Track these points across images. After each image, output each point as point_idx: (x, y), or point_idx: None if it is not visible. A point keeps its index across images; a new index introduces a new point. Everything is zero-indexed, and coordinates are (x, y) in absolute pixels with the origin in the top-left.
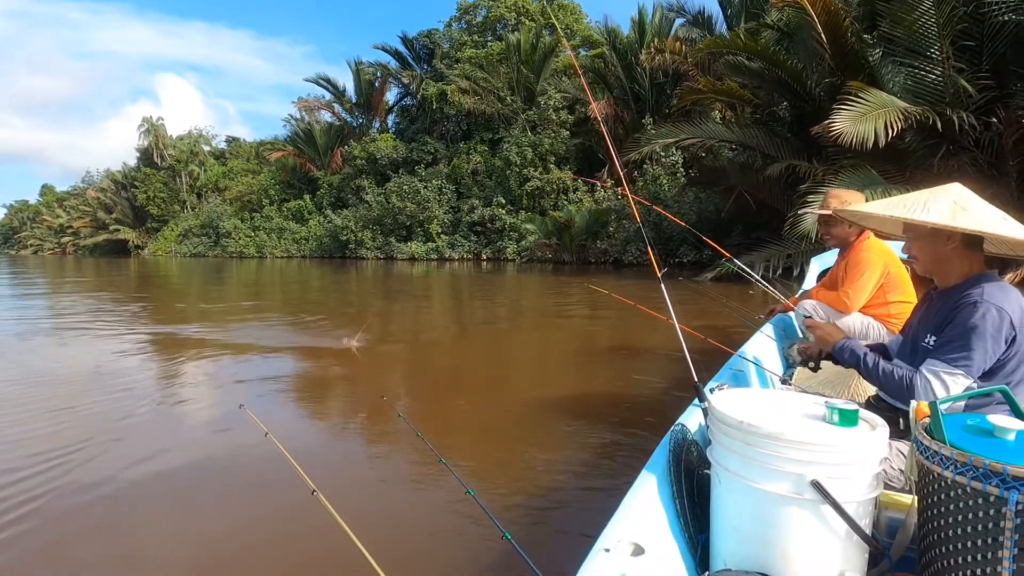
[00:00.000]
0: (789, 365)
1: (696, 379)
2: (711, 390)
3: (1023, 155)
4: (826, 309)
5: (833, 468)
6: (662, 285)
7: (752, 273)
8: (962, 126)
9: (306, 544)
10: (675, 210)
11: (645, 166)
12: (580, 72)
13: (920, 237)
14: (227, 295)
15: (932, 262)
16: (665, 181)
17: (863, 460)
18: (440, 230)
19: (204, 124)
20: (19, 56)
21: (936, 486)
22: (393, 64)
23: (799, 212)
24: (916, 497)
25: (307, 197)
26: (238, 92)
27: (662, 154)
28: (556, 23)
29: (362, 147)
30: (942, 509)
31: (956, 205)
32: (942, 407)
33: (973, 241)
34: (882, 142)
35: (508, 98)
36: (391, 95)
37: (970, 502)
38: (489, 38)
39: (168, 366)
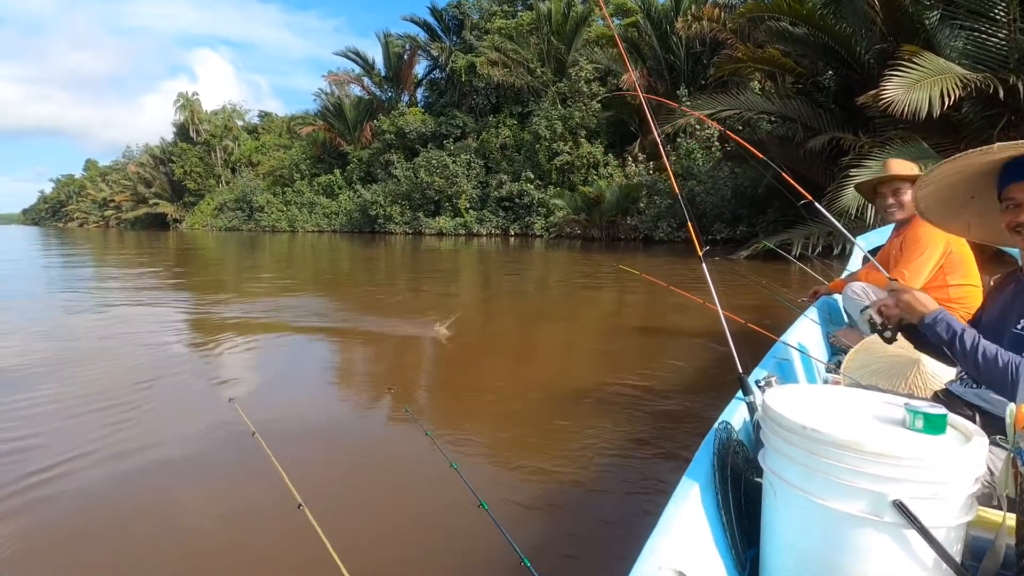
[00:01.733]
0: (834, 352)
1: (740, 370)
2: (757, 383)
3: None
4: (878, 292)
5: (920, 487)
6: (704, 265)
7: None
8: None
9: (287, 565)
10: (709, 185)
11: (679, 139)
12: (619, 40)
13: None
14: (265, 269)
15: None
16: (699, 155)
17: (957, 478)
18: (468, 205)
19: (238, 99)
20: (60, 33)
21: None
22: (422, 36)
23: (844, 183)
24: (1014, 516)
25: (337, 172)
26: (270, 66)
27: (697, 127)
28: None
29: (391, 121)
30: None
31: None
32: None
33: None
34: (937, 111)
35: (538, 70)
36: (420, 68)
37: None
38: (519, 8)
39: (179, 349)
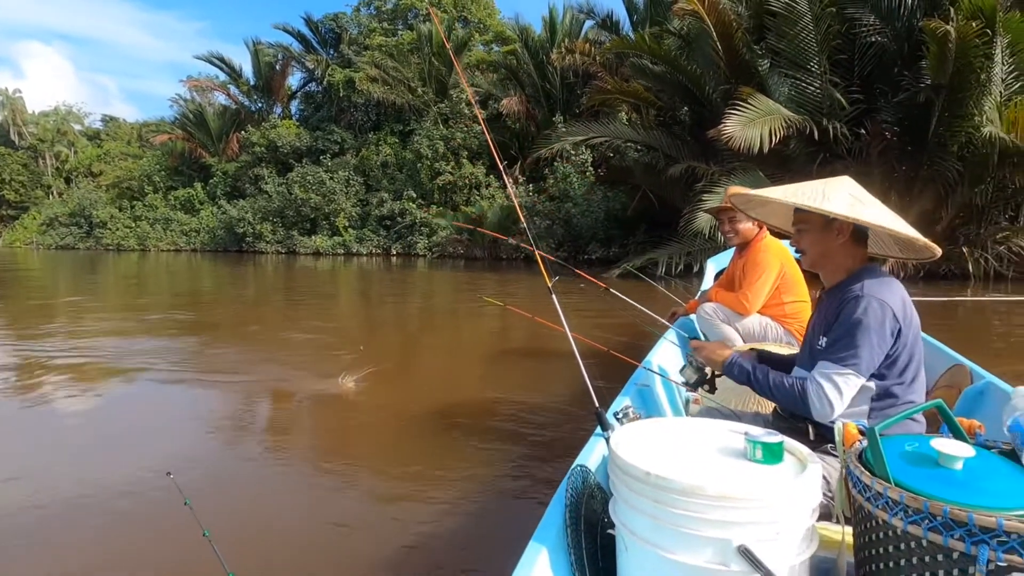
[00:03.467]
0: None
1: (597, 404)
2: (616, 415)
3: (886, 164)
4: (726, 311)
5: (763, 528)
6: (554, 298)
7: (650, 280)
8: (836, 135)
9: None
10: (584, 207)
11: (556, 163)
12: (460, 71)
13: (812, 230)
14: (101, 294)
15: (820, 256)
16: (575, 179)
17: (796, 513)
18: (347, 224)
19: (76, 100)
20: None
21: (882, 535)
22: (296, 47)
23: (698, 206)
24: (849, 533)
25: (198, 185)
26: (120, 67)
27: (572, 152)
28: (437, 24)
29: (261, 133)
30: (891, 564)
31: (852, 197)
32: (878, 429)
33: (860, 237)
34: (767, 147)
35: (419, 89)
36: (294, 80)
37: (927, 558)
38: (400, 26)
39: None
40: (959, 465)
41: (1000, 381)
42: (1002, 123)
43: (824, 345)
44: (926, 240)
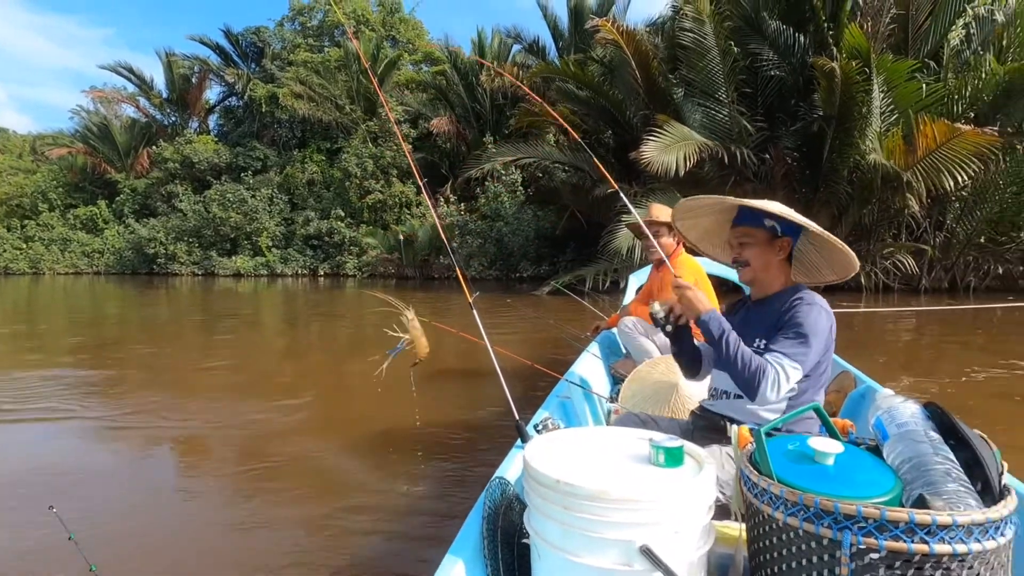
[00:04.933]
0: (616, 383)
1: (517, 416)
2: (536, 426)
3: (788, 186)
4: (644, 325)
5: (662, 527)
6: (474, 312)
7: (580, 294)
8: (744, 160)
9: None
10: (515, 226)
11: (487, 183)
12: (386, 100)
13: (757, 244)
14: None
15: (762, 268)
16: (506, 198)
17: (694, 512)
18: (271, 243)
19: None
20: None
21: (768, 528)
22: (214, 59)
23: (616, 226)
24: (744, 529)
25: (102, 203)
26: (11, 74)
27: (502, 172)
28: (360, 52)
29: (175, 148)
30: (775, 554)
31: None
32: (763, 430)
33: (790, 257)
34: (681, 172)
35: (347, 107)
36: (212, 94)
37: (803, 546)
38: (327, 43)
39: None
40: (831, 461)
41: (877, 384)
42: (882, 151)
43: (767, 345)
44: (853, 254)
